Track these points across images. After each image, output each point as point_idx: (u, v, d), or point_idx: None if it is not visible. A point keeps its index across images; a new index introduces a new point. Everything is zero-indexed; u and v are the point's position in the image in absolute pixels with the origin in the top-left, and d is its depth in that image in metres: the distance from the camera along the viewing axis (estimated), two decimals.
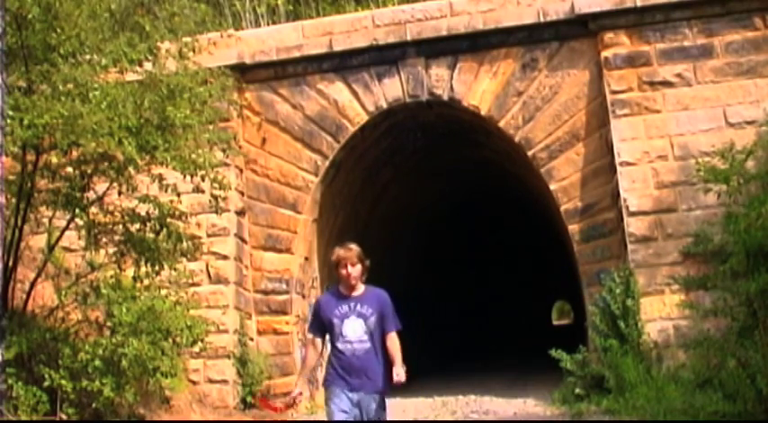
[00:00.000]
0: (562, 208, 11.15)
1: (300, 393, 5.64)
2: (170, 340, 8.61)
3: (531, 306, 28.51)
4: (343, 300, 5.64)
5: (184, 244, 8.86)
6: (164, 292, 9.01)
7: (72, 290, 8.90)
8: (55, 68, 7.90)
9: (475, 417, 10.36)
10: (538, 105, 11.27)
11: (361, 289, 5.69)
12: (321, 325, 5.65)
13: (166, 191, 8.57)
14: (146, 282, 8.81)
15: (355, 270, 5.61)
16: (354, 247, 5.67)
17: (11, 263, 8.51)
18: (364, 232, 13.13)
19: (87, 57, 8.31)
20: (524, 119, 11.32)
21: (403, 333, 5.66)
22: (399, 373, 5.50)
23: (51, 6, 7.97)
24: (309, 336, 5.84)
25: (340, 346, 5.58)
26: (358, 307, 5.60)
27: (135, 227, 8.75)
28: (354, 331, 5.54)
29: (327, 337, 5.69)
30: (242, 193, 11.91)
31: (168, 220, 8.71)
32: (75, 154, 8.25)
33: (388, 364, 5.60)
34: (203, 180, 8.51)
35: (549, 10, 11.17)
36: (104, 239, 8.97)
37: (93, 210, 8.71)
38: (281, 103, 12.06)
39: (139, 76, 8.48)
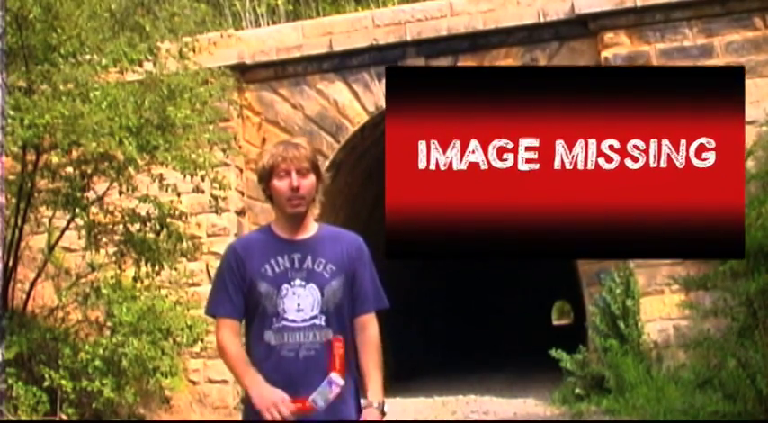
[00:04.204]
0: None
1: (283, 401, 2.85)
2: (170, 340, 8.64)
3: (531, 306, 28.45)
4: (281, 247, 3.09)
5: (184, 244, 8.86)
6: (164, 291, 9.03)
7: (72, 290, 8.92)
8: (55, 68, 7.90)
9: (475, 417, 10.35)
10: None
11: (313, 228, 3.20)
12: (241, 294, 3.06)
13: (166, 191, 8.58)
14: (146, 282, 8.82)
15: (306, 182, 3.14)
16: (304, 143, 3.27)
17: (11, 263, 8.51)
18: (365, 233, 13.09)
19: (88, 57, 8.31)
20: None
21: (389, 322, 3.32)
22: (374, 412, 2.98)
23: (52, 6, 7.97)
24: (227, 319, 3.05)
25: (273, 337, 3.00)
26: (309, 261, 3.09)
27: (135, 227, 8.76)
28: (302, 308, 3.03)
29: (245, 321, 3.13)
30: (242, 193, 11.90)
31: (168, 220, 8.71)
32: (75, 154, 8.25)
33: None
34: (203, 180, 8.52)
35: (548, 10, 11.16)
36: (104, 239, 8.97)
37: (94, 210, 8.71)
38: (280, 103, 12.04)
39: (140, 76, 8.49)
